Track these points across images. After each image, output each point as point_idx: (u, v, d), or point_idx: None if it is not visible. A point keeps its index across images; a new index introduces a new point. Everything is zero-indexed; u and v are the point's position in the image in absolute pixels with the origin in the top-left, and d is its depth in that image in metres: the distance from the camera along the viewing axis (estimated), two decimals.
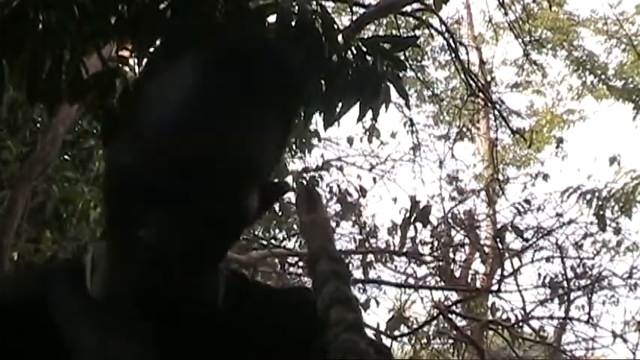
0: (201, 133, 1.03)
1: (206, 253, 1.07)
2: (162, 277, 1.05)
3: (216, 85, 1.06)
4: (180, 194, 1.02)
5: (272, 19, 3.26)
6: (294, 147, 8.85)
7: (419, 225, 8.69)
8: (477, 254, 10.28)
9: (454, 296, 9.37)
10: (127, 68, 3.71)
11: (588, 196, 9.85)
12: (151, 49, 3.03)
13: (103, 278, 1.13)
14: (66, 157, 6.74)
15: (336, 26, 3.41)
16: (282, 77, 1.11)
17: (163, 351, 1.09)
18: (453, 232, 9.66)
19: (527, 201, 9.97)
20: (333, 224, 9.86)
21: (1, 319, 1.09)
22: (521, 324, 9.02)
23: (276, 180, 1.19)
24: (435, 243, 9.38)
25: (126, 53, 3.62)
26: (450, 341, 9.51)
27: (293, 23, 3.19)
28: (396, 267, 9.51)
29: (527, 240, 9.32)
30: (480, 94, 8.89)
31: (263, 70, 1.08)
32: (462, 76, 8.13)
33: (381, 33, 10.01)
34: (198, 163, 1.02)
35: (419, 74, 11.99)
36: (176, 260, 1.04)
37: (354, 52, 3.39)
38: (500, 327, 8.85)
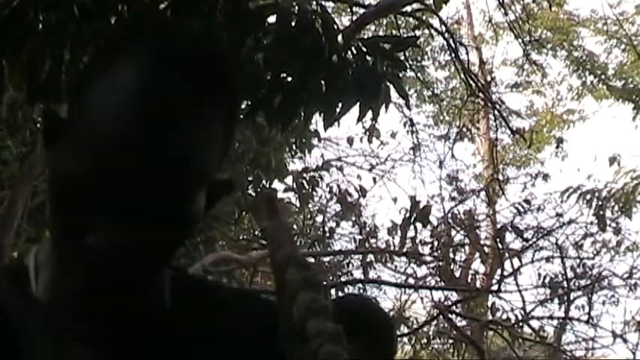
0: (140, 137, 1.01)
1: (152, 257, 1.05)
2: (106, 280, 1.03)
3: (152, 88, 1.03)
4: (124, 200, 1.01)
5: (272, 19, 3.26)
6: (294, 147, 8.85)
7: (419, 225, 8.69)
8: (477, 254, 10.29)
9: (454, 296, 9.37)
10: None
11: (588, 196, 9.86)
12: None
13: (47, 280, 1.12)
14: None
15: (336, 26, 3.41)
16: (218, 76, 1.08)
17: (110, 354, 1.08)
18: (453, 232, 9.68)
19: (527, 201, 9.98)
20: (333, 224, 9.87)
21: None
22: (521, 324, 9.03)
23: (221, 177, 1.15)
24: (435, 243, 9.39)
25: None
26: (450, 341, 9.53)
27: (293, 23, 3.19)
28: (396, 267, 9.52)
29: (527, 240, 9.32)
30: (480, 94, 8.89)
31: (199, 71, 1.06)
32: (462, 76, 8.13)
33: (381, 33, 10.00)
34: (140, 169, 1.00)
35: (419, 74, 11.99)
36: (121, 265, 1.02)
37: (354, 52, 3.39)
38: (500, 327, 8.86)
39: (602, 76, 14.80)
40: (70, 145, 1.05)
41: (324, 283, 1.20)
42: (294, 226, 9.32)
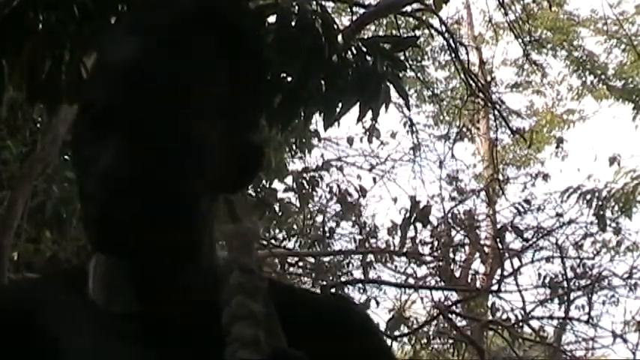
0: (138, 61, 1.06)
1: (160, 180, 1.06)
2: (116, 200, 1.04)
3: (149, 23, 1.09)
4: (126, 120, 1.05)
5: (272, 19, 3.27)
6: (294, 147, 8.85)
7: (419, 225, 8.70)
8: (477, 254, 10.30)
9: (454, 296, 9.37)
10: None
11: (588, 196, 9.86)
12: None
13: (100, 280, 1.13)
14: (66, 157, 6.73)
15: (336, 26, 3.41)
16: (218, 15, 1.12)
17: (160, 353, 1.08)
18: (453, 232, 9.68)
19: (527, 201, 9.98)
20: (334, 224, 9.87)
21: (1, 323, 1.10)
22: (521, 324, 9.03)
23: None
24: (435, 243, 9.40)
25: None
26: (450, 341, 9.52)
27: (293, 23, 3.19)
28: (396, 267, 9.52)
29: (527, 240, 9.33)
30: (480, 94, 8.89)
31: (201, 13, 1.11)
32: (462, 76, 8.13)
33: (381, 33, 10.00)
34: (137, 89, 1.05)
35: (419, 74, 11.97)
36: (129, 183, 1.04)
37: (354, 52, 3.39)
38: (500, 327, 8.86)
39: (602, 76, 14.80)
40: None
41: (262, 288, 1.19)
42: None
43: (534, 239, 9.43)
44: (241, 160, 1.14)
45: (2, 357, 1.07)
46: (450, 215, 9.59)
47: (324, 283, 8.50)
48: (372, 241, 9.69)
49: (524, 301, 8.71)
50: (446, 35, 7.43)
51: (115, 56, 1.08)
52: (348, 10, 6.34)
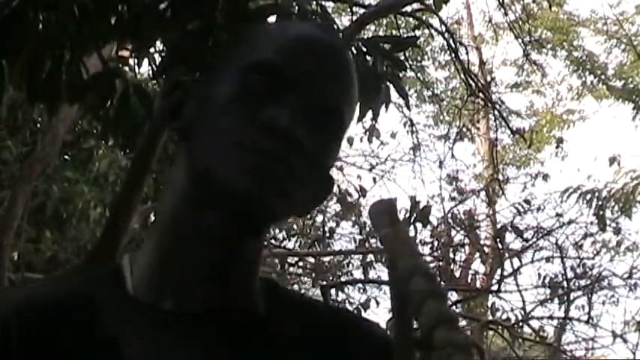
0: (323, 55, 1.15)
1: (300, 172, 1.10)
2: (278, 158, 1.08)
3: (327, 42, 1.18)
4: (308, 87, 1.11)
5: (272, 19, 3.26)
6: None
7: (419, 225, 8.69)
8: (477, 254, 10.30)
9: (454, 296, 9.37)
10: (127, 68, 3.71)
11: (588, 196, 9.86)
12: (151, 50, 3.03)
13: (144, 275, 1.14)
14: (66, 157, 6.74)
15: (336, 26, 3.41)
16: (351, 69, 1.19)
17: (204, 353, 1.10)
18: (453, 232, 9.68)
19: (527, 201, 9.98)
20: (334, 224, 9.87)
21: (47, 319, 1.09)
22: (521, 324, 9.03)
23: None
24: (435, 243, 9.40)
25: (126, 53, 3.61)
26: None
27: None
28: None
29: (527, 240, 9.32)
30: (480, 95, 8.89)
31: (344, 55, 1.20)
32: (462, 76, 8.13)
33: (381, 33, 10.00)
34: (327, 66, 1.14)
35: (419, 74, 11.98)
36: (293, 147, 1.09)
37: (354, 52, 3.39)
38: (500, 327, 8.86)
39: (602, 76, 14.81)
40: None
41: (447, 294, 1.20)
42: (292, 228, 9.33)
43: (534, 239, 9.42)
44: (320, 187, 1.19)
45: (54, 353, 1.08)
46: (449, 215, 9.59)
47: (324, 283, 8.49)
48: (372, 241, 9.68)
49: (524, 301, 8.71)
50: (446, 35, 7.43)
51: (310, 34, 1.16)
52: (348, 10, 6.34)
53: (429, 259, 9.41)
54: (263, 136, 1.07)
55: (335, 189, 9.47)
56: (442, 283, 9.23)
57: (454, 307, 9.06)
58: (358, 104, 3.36)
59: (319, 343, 1.17)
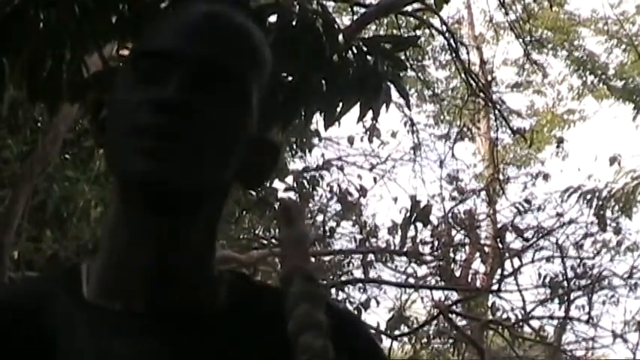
0: (204, 29, 1.14)
1: (199, 141, 1.09)
2: (171, 130, 1.07)
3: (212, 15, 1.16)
4: (193, 61, 1.10)
5: (273, 18, 3.27)
6: (294, 146, 8.85)
7: (419, 225, 8.70)
8: (477, 254, 10.30)
9: (454, 296, 9.38)
10: None
11: (588, 196, 9.87)
12: None
13: (99, 279, 1.14)
14: (67, 156, 6.74)
15: (336, 26, 3.41)
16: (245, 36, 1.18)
17: (158, 349, 1.09)
18: (454, 232, 9.68)
19: (527, 201, 9.98)
20: (334, 224, 9.87)
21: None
22: (521, 324, 9.04)
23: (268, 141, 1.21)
24: (436, 243, 9.40)
25: (127, 52, 3.61)
26: (450, 341, 9.53)
27: (294, 23, 3.19)
28: (396, 266, 9.53)
29: (527, 240, 9.33)
30: (481, 94, 8.90)
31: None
32: (463, 75, 8.14)
33: (381, 33, 10.00)
34: (210, 42, 1.13)
35: (419, 74, 11.98)
36: (187, 113, 1.08)
37: (355, 51, 3.39)
38: (500, 327, 8.87)
39: (603, 76, 14.79)
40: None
41: (325, 297, 1.18)
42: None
43: (534, 239, 9.43)
44: (261, 156, 1.17)
45: (5, 355, 1.08)
46: (450, 215, 9.59)
47: (325, 282, 8.50)
48: (373, 240, 9.69)
49: (524, 301, 8.72)
50: (446, 35, 7.44)
51: (198, 16, 1.15)
52: (349, 9, 6.34)
53: (429, 258, 9.42)
54: (150, 112, 1.07)
55: (335, 188, 9.48)
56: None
57: (454, 307, 9.08)
58: (358, 104, 3.37)
59: (271, 334, 1.13)
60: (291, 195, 8.93)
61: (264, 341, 1.13)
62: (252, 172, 1.18)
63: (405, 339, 9.17)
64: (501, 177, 11.33)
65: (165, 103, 1.07)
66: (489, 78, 12.18)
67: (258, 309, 1.17)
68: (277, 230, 8.72)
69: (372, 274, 9.30)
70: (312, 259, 1.05)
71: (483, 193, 10.57)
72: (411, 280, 9.48)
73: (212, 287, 1.16)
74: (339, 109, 3.37)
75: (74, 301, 1.13)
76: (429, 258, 9.44)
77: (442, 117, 13.57)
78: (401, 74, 3.58)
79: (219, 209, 1.17)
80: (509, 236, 9.24)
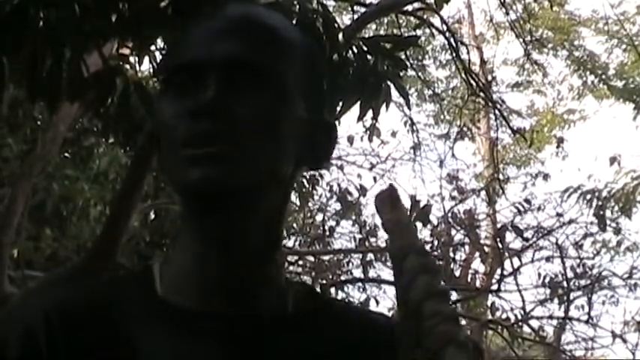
0: (228, 31, 1.16)
1: (239, 137, 1.11)
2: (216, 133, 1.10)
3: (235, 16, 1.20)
4: (225, 71, 1.12)
5: None
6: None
7: (419, 224, 8.69)
8: (477, 254, 10.29)
9: (454, 295, 9.37)
10: (127, 66, 3.71)
11: (588, 196, 9.86)
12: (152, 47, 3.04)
13: (172, 278, 1.17)
14: (66, 154, 6.74)
15: (337, 25, 3.41)
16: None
17: (229, 351, 1.12)
18: (453, 232, 9.66)
19: (527, 200, 9.97)
20: (333, 223, 9.87)
21: (73, 323, 1.12)
22: (520, 324, 9.03)
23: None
24: (435, 242, 9.39)
25: (126, 51, 3.62)
26: None
27: (294, 22, 3.19)
28: None
29: (527, 240, 9.31)
30: (481, 94, 8.88)
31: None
32: (463, 75, 8.12)
33: (382, 32, 10.00)
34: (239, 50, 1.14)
35: (419, 73, 11.97)
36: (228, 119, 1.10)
37: (355, 51, 3.40)
38: (499, 326, 8.86)
39: (603, 76, 14.80)
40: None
41: (439, 269, 1.26)
42: (295, 224, 9.34)
43: (534, 239, 9.42)
44: (317, 136, 1.21)
45: (82, 355, 1.10)
46: (450, 214, 9.58)
47: (324, 281, 8.50)
48: (372, 239, 9.68)
49: (523, 301, 8.70)
50: (447, 34, 7.42)
51: (221, 20, 1.18)
52: (349, 8, 6.33)
53: None
54: (191, 121, 1.10)
55: (335, 187, 9.44)
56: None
57: (454, 306, 9.07)
58: (358, 103, 3.37)
59: (340, 346, 1.18)
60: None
61: (327, 351, 1.16)
62: (312, 154, 1.21)
63: None
64: (501, 177, 11.33)
65: (204, 110, 1.10)
66: (489, 77, 12.19)
67: (325, 319, 1.20)
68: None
69: (372, 273, 9.29)
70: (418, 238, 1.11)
71: (483, 193, 10.56)
72: None
73: (278, 292, 1.19)
74: (339, 108, 3.37)
75: (148, 299, 1.16)
76: None
77: (442, 116, 13.58)
78: (401, 74, 3.59)
79: (282, 203, 1.19)
80: (509, 236, 9.21)
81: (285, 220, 1.21)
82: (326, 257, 9.65)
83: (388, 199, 1.15)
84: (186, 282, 1.16)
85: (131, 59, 3.85)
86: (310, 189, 9.28)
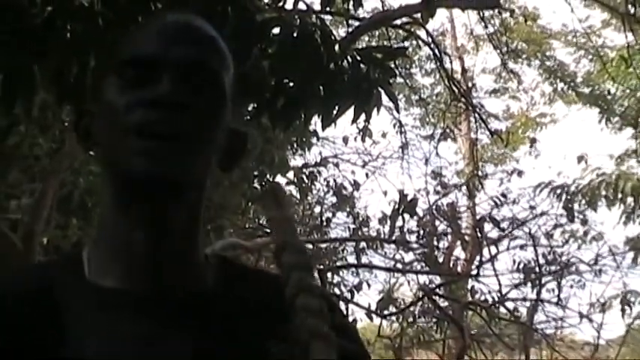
0: (182, 35, 1.15)
1: (187, 134, 1.09)
2: (166, 123, 1.07)
3: (185, 22, 1.18)
4: (180, 66, 1.11)
5: (276, 30, 3.26)
6: (295, 145, 8.84)
7: (406, 216, 8.69)
8: (459, 242, 10.30)
9: (437, 280, 9.38)
10: None
11: (558, 191, 9.86)
12: None
13: (98, 262, 1.14)
14: (91, 152, 6.72)
15: (333, 37, 3.41)
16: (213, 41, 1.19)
17: (156, 327, 1.09)
18: (437, 223, 9.67)
19: (503, 195, 9.98)
20: (330, 214, 9.87)
21: (7, 308, 1.09)
22: (497, 305, 9.03)
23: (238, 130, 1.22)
24: (421, 232, 9.39)
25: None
26: (434, 320, 9.52)
27: (295, 35, 3.19)
28: (385, 253, 9.52)
29: (503, 230, 9.33)
30: (462, 99, 8.89)
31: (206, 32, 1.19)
32: (446, 82, 8.13)
33: (373, 44, 9.97)
34: (192, 47, 1.13)
35: (407, 81, 11.96)
36: (180, 111, 1.08)
37: (350, 60, 3.39)
38: (478, 307, 8.86)
39: (572, 84, 14.79)
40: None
41: (314, 265, 1.20)
42: (296, 215, 9.32)
43: (510, 229, 9.43)
44: (234, 144, 1.19)
45: (17, 335, 1.06)
46: (434, 207, 9.59)
47: (321, 267, 8.49)
48: (365, 229, 9.69)
49: (500, 285, 8.72)
50: (432, 46, 7.43)
51: (172, 25, 1.16)
52: (345, 22, 6.33)
53: (415, 246, 9.42)
54: (149, 109, 1.08)
55: (331, 183, 9.43)
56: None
57: (438, 290, 9.07)
58: (352, 107, 3.37)
59: (256, 309, 1.14)
60: (292, 189, 8.93)
61: (250, 315, 1.13)
62: (227, 159, 1.19)
63: (394, 318, 9.16)
64: (480, 173, 11.32)
65: (162, 101, 1.07)
66: (470, 84, 12.18)
67: (244, 287, 1.18)
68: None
69: (364, 259, 9.29)
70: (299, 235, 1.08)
71: (464, 188, 10.56)
72: (399, 266, 9.48)
73: (201, 268, 1.17)
74: (335, 112, 3.36)
75: (77, 283, 1.13)
76: (415, 246, 9.44)
77: (427, 119, 13.57)
78: (390, 81, 3.58)
79: (203, 195, 1.17)
80: (487, 226, 9.23)
81: (203, 206, 1.17)
82: (323, 245, 9.65)
83: (273, 197, 1.11)
84: (114, 263, 1.12)
85: None
86: (309, 184, 9.27)
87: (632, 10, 7.25)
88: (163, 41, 1.13)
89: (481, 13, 9.81)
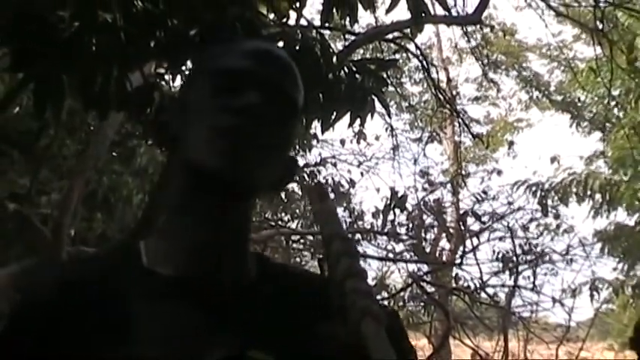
0: (270, 59, 1.15)
1: (266, 146, 1.09)
2: (238, 143, 1.06)
3: (268, 51, 1.18)
4: (264, 81, 1.11)
5: (280, 44, 3.26)
6: (297, 147, 8.85)
7: (397, 210, 8.70)
8: (444, 234, 10.30)
9: (425, 268, 9.38)
10: (163, 83, 3.71)
11: (534, 188, 9.90)
12: (182, 68, 3.03)
13: (156, 251, 1.12)
14: (114, 153, 6.73)
15: (331, 50, 3.41)
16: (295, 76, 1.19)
17: (202, 315, 1.06)
18: (425, 217, 9.67)
19: (484, 192, 9.99)
20: None
21: (67, 294, 1.06)
22: (479, 291, 9.04)
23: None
24: (410, 225, 9.40)
25: (162, 71, 3.61)
26: (422, 304, 9.53)
27: (297, 47, 3.19)
28: (378, 244, 9.53)
29: (484, 223, 9.33)
30: (447, 106, 8.89)
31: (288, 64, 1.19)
32: (433, 90, 8.12)
33: (367, 56, 9.98)
34: (274, 66, 1.14)
35: (398, 89, 11.96)
36: (248, 136, 1.07)
37: (346, 71, 3.39)
38: (462, 293, 8.87)
39: (546, 92, 14.80)
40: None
41: (359, 253, 1.21)
42: (298, 210, 9.33)
43: (490, 222, 9.43)
44: (286, 169, 1.17)
45: (81, 320, 1.04)
46: (422, 203, 9.59)
47: (321, 256, 8.49)
48: (359, 222, 9.69)
49: (481, 272, 8.73)
50: (420, 57, 7.42)
51: (261, 48, 1.17)
52: (342, 37, 6.33)
53: (405, 237, 9.42)
54: (236, 115, 1.07)
55: (330, 181, 9.44)
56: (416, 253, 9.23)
57: (425, 277, 9.08)
58: (349, 113, 3.37)
59: (297, 302, 1.13)
60: (294, 186, 8.94)
61: (294, 309, 1.12)
62: (280, 178, 1.17)
63: (385, 302, 9.17)
64: (463, 172, 11.33)
65: (247, 109, 1.06)
66: (454, 93, 12.18)
67: (286, 282, 1.17)
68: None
69: (359, 249, 9.26)
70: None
71: (449, 186, 10.57)
72: (390, 255, 9.49)
73: (250, 263, 1.16)
74: (333, 117, 3.37)
75: (136, 270, 1.10)
76: (404, 237, 9.44)
77: (416, 124, 13.56)
78: (383, 89, 3.58)
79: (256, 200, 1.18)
80: (470, 220, 9.24)
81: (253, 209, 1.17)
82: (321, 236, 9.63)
83: (317, 193, 1.11)
84: (174, 252, 1.10)
85: (166, 77, 3.84)
86: (310, 182, 9.27)
87: (600, 26, 7.26)
88: (251, 59, 1.13)
89: (464, 29, 9.82)
